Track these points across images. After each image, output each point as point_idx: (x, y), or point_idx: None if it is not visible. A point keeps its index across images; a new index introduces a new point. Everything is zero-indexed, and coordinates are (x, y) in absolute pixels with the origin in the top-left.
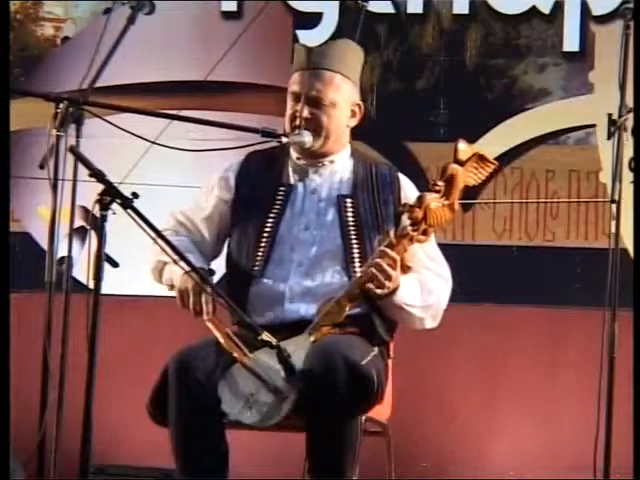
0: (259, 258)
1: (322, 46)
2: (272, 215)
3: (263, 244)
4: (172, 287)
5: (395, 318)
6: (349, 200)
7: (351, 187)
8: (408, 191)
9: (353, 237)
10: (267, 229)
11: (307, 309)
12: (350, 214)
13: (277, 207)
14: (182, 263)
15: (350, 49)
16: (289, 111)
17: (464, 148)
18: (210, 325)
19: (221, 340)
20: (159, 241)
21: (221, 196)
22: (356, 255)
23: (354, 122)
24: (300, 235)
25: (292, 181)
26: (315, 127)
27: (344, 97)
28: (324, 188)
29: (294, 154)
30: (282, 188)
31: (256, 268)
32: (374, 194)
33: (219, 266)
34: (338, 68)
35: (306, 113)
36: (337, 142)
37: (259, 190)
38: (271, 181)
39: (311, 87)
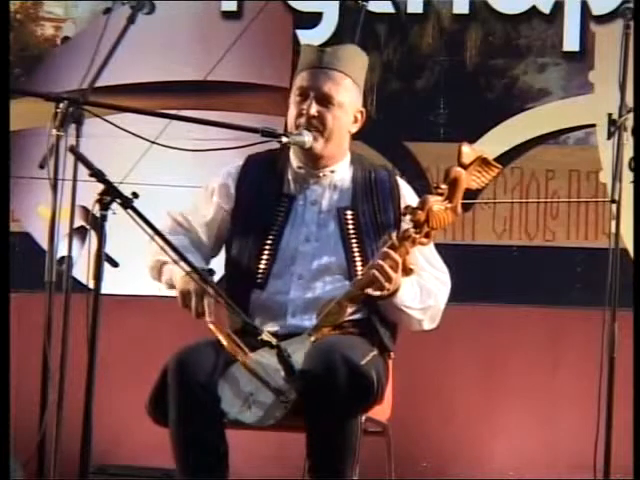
0: (261, 270)
1: (334, 48)
2: (274, 227)
3: (265, 256)
4: (171, 287)
5: (394, 319)
6: (349, 212)
7: (351, 198)
8: (408, 197)
9: (355, 249)
10: (269, 241)
11: (310, 321)
12: (351, 226)
13: (279, 219)
14: (182, 264)
15: (359, 55)
16: (294, 109)
17: (468, 151)
18: (212, 327)
19: (224, 342)
20: (159, 241)
21: (221, 204)
22: (359, 267)
23: (355, 128)
24: (300, 247)
25: (292, 191)
26: (319, 126)
27: (351, 100)
28: (325, 199)
29: (295, 162)
30: (284, 199)
31: (259, 280)
32: (374, 203)
33: (219, 266)
34: (349, 72)
35: (313, 110)
36: (338, 147)
37: (260, 200)
38: (271, 191)
39: (322, 85)
